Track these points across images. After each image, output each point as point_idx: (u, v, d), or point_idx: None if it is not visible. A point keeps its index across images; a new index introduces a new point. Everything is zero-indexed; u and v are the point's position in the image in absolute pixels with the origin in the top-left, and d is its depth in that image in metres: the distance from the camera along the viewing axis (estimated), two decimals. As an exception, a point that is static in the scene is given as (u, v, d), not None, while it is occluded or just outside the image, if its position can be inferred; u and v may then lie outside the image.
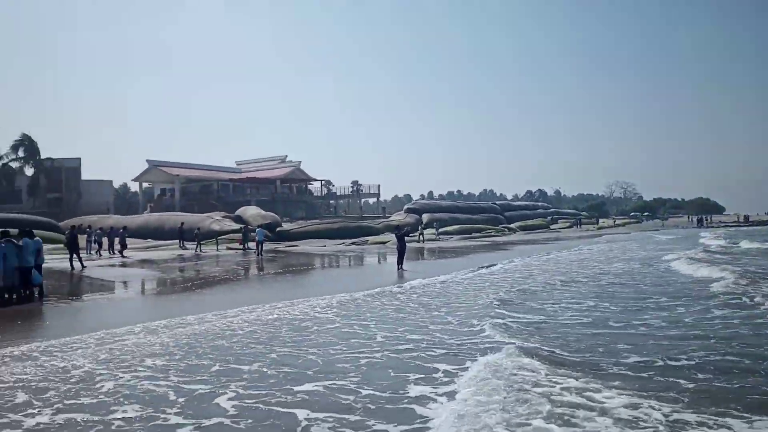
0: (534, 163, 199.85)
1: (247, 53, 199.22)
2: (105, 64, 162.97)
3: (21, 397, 5.77)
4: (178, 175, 63.52)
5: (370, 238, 39.02)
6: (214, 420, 5.11)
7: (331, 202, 75.10)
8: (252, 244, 32.05)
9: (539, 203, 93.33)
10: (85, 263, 21.49)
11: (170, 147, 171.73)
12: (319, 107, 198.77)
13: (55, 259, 23.07)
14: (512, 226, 57.43)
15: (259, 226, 33.48)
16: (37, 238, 13.89)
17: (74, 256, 20.75)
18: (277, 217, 44.68)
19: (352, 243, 37.29)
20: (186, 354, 7.53)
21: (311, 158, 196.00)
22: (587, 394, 5.46)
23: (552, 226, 63.53)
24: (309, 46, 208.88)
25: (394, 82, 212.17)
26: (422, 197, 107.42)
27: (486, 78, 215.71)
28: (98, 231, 30.09)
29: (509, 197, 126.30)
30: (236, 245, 33.81)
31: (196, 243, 31.75)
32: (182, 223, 35.88)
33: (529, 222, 62.11)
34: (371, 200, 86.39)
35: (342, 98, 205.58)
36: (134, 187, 76.48)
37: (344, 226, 44.47)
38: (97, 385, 6.13)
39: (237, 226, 38.63)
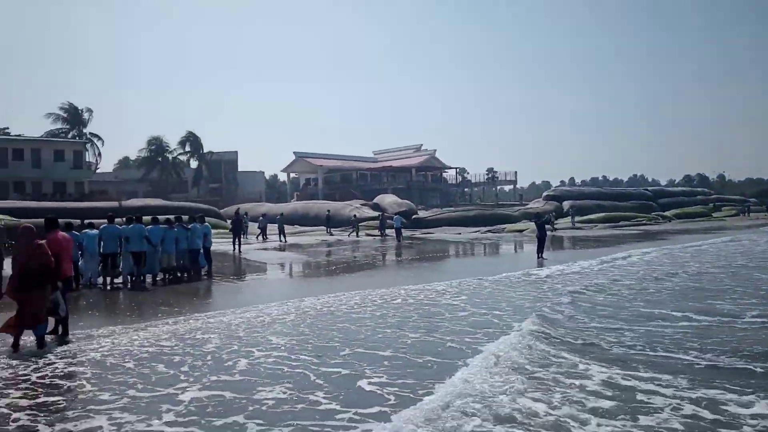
0: (693, 144, 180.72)
1: (390, 51, 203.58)
2: (263, 68, 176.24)
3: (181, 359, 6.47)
4: (321, 166, 67.11)
5: (507, 226, 38.08)
6: (373, 409, 4.97)
7: (466, 189, 74.51)
8: (389, 231, 33.12)
9: (698, 189, 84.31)
10: (243, 247, 23.58)
11: (315, 139, 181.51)
12: (455, 96, 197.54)
13: (219, 242, 25.59)
14: (667, 214, 52.49)
15: (396, 214, 34.34)
16: (206, 223, 15.50)
17: (237, 240, 22.83)
18: (413, 204, 45.35)
19: (488, 231, 36.67)
20: (318, 334, 7.92)
21: (446, 146, 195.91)
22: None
23: (714, 214, 57.03)
24: (448, 42, 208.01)
25: (532, 65, 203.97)
26: (562, 184, 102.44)
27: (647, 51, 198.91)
28: (261, 218, 33.12)
29: (663, 183, 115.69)
30: (374, 232, 34.95)
31: (351, 228, 33.86)
32: (329, 211, 38.51)
33: (687, 209, 56.24)
34: (507, 188, 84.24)
35: (477, 86, 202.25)
36: (282, 177, 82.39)
37: (479, 213, 43.89)
38: (231, 362, 6.68)
39: (375, 214, 39.92)
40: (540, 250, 18.66)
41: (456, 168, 73.32)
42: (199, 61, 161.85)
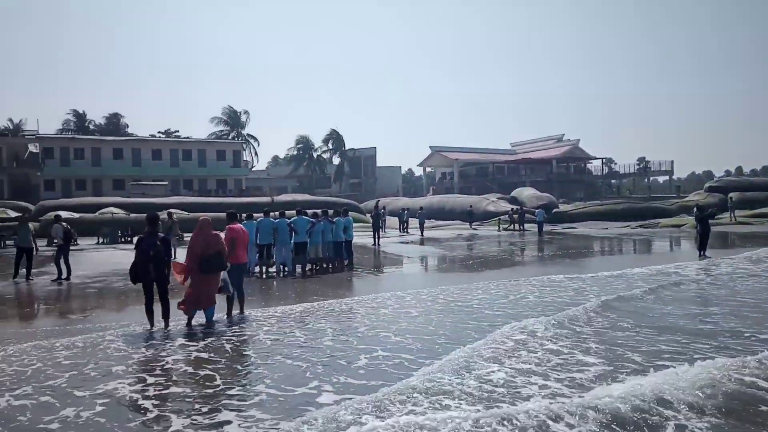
0: None
1: (528, 35, 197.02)
2: (398, 64, 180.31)
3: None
4: (456, 159, 66.92)
5: (662, 221, 34.93)
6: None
7: (613, 181, 69.67)
8: (528, 225, 32.25)
9: None
10: (381, 240, 24.30)
11: (451, 133, 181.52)
12: (599, 80, 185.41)
13: (358, 236, 26.66)
14: None
15: (537, 207, 33.26)
16: (349, 217, 16.23)
17: (376, 233, 23.58)
18: (553, 198, 43.47)
19: (639, 226, 33.93)
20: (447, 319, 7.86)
21: (591, 135, 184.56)
22: None
23: None
24: (596, 21, 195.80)
25: (694, 44, 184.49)
26: (727, 174, 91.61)
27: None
28: (404, 211, 33.94)
29: None
30: (513, 226, 34.13)
31: (510, 223, 33.61)
32: (471, 206, 38.73)
33: None
34: (661, 178, 77.28)
35: (627, 69, 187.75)
36: (418, 171, 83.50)
37: (629, 207, 40.75)
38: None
39: (512, 207, 39.02)
40: (702, 247, 16.86)
41: (602, 158, 68.88)
42: (338, 60, 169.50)
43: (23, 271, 13.63)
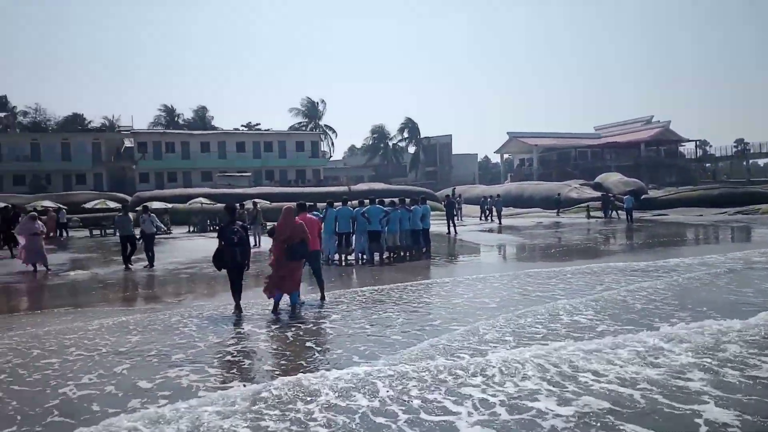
0: None
1: (612, 16, 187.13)
2: (473, 53, 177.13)
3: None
4: (536, 145, 64.92)
5: (762, 206, 32.23)
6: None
7: (708, 165, 65.04)
8: (615, 212, 30.84)
9: None
10: (458, 228, 24.03)
11: (530, 118, 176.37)
12: (691, 59, 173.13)
13: (435, 224, 26.51)
14: None
15: (624, 194, 31.73)
16: (426, 205, 16.15)
17: (451, 221, 23.33)
18: (642, 183, 41.23)
19: (737, 212, 31.51)
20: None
21: (683, 117, 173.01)
22: None
23: None
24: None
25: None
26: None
27: None
28: (486, 199, 33.34)
29: None
30: (598, 213, 32.76)
31: (608, 209, 32.02)
32: (559, 195, 37.69)
33: None
34: (762, 161, 71.33)
35: (724, 46, 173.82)
36: (495, 158, 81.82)
37: (726, 191, 37.89)
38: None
39: (596, 194, 37.38)
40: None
41: (695, 140, 64.49)
42: (412, 48, 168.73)
43: (138, 257, 14.50)
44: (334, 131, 73.17)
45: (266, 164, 58.00)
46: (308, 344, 6.53)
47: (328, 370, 5.42)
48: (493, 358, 5.61)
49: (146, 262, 14.35)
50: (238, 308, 8.32)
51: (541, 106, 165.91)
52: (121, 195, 40.84)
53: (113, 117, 70.26)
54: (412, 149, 72.83)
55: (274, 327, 7.47)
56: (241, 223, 8.73)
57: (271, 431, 4.05)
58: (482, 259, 15.73)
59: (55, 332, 7.28)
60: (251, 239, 11.72)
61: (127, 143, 58.06)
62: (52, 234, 25.38)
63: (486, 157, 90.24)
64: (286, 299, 8.49)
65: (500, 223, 28.77)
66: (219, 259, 8.30)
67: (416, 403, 4.49)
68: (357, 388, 4.84)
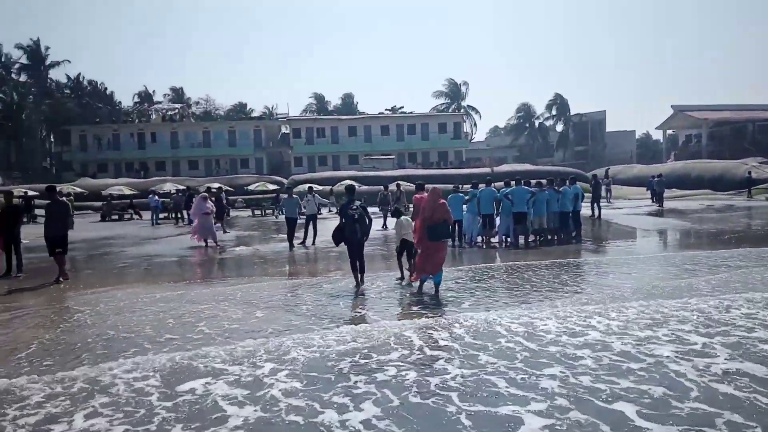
0: None
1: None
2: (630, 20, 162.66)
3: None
4: (705, 119, 57.96)
5: None
6: None
7: None
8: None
9: None
10: (608, 211, 22.35)
11: (698, 89, 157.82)
12: None
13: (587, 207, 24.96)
14: None
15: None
16: (576, 185, 15.19)
17: (595, 203, 21.60)
18: (843, 160, 35.01)
19: None
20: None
21: None
22: None
23: None
24: None
25: None
26: None
27: None
28: (653, 179, 29.44)
29: None
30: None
31: None
32: (749, 173, 32.97)
33: None
34: None
35: None
36: (657, 135, 74.58)
37: None
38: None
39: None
40: None
41: None
42: (559, 20, 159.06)
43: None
44: (477, 112, 72.08)
45: (409, 147, 58.88)
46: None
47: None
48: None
49: (309, 239, 15.09)
50: (361, 282, 8.86)
51: (711, 75, 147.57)
52: (278, 178, 44.16)
53: (272, 106, 76.17)
54: (559, 127, 69.21)
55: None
56: (359, 202, 9.17)
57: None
58: (637, 245, 14.40)
59: (227, 292, 8.09)
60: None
61: (284, 130, 62.53)
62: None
63: (646, 133, 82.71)
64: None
65: (661, 205, 26.24)
66: (339, 234, 8.90)
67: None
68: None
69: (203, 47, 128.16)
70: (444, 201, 8.54)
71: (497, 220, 14.08)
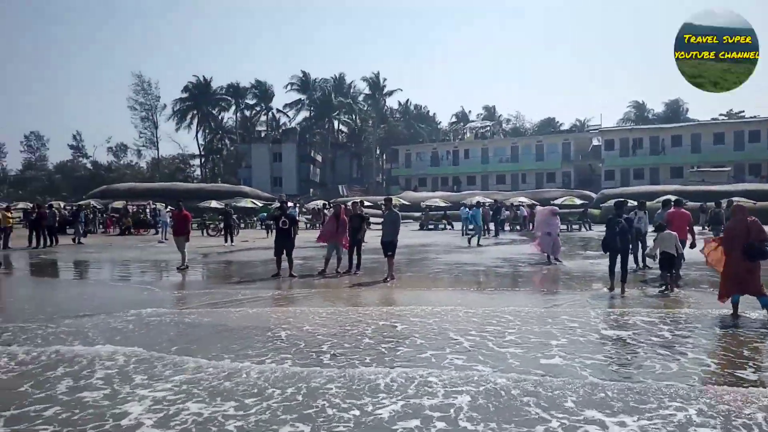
0: None
1: None
2: None
3: None
4: None
5: None
6: None
7: None
8: None
9: None
10: None
11: None
12: None
13: None
14: None
15: None
16: None
17: None
18: None
19: None
20: None
21: None
22: None
23: None
24: None
25: None
26: None
27: None
28: None
29: None
30: None
31: None
32: None
33: None
34: None
35: None
36: None
37: None
38: None
39: None
40: None
41: None
42: None
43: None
44: None
45: (750, 157, 49.42)
46: None
47: None
48: None
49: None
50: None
51: None
52: (586, 192, 42.25)
53: (584, 119, 73.82)
54: None
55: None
56: (634, 213, 9.83)
57: None
58: None
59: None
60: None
61: (595, 142, 59.66)
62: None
63: None
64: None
65: None
66: (605, 244, 9.72)
67: None
68: None
69: (510, 68, 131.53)
70: (755, 218, 7.71)
71: None
